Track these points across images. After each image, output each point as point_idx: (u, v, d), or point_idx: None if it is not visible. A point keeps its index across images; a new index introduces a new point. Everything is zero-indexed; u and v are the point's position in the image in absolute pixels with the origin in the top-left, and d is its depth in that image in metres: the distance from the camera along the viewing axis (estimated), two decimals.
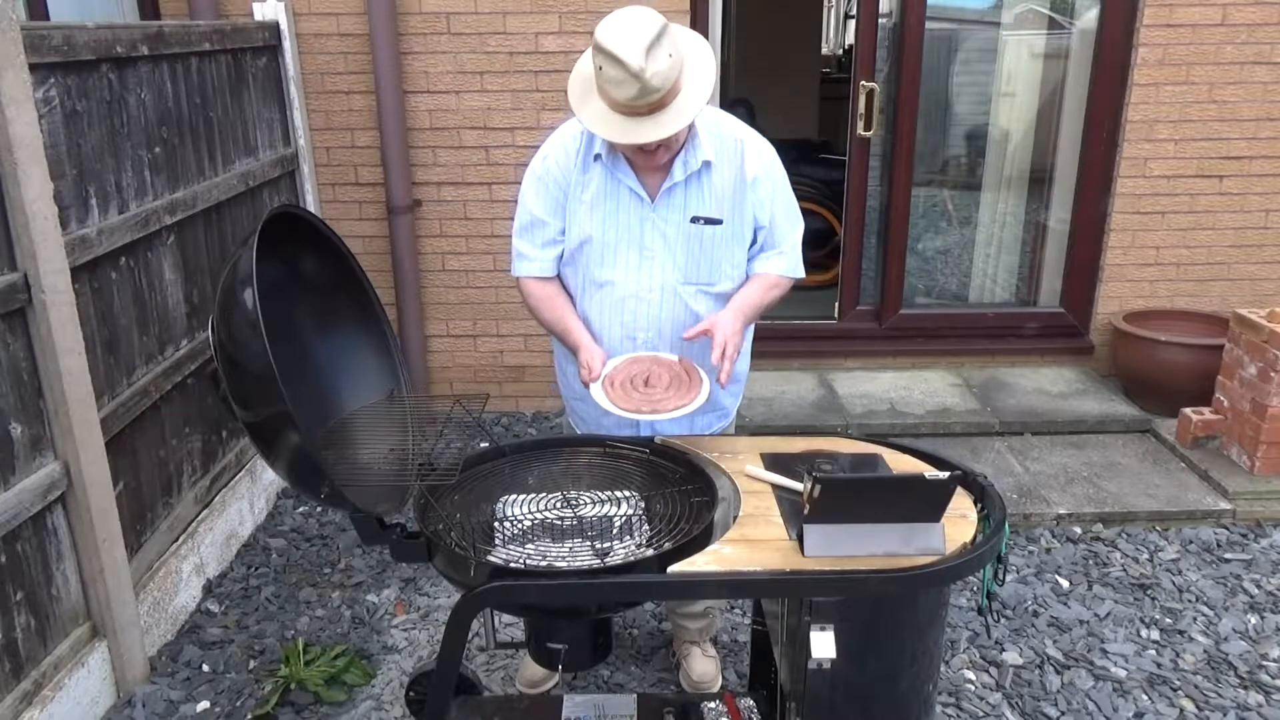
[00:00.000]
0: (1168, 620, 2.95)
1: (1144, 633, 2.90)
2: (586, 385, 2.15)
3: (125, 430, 2.70)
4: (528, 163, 2.29)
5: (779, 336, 4.51)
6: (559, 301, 2.28)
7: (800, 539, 1.69)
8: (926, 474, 1.68)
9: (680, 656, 2.70)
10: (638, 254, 2.20)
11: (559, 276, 2.31)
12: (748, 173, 2.19)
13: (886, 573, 1.66)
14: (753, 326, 2.44)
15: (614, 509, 1.85)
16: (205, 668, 2.75)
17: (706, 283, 2.23)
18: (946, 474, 1.66)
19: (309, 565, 3.26)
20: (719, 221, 2.19)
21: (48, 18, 3.74)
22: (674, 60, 1.93)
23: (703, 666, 2.64)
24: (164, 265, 2.92)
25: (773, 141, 2.29)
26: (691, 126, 2.13)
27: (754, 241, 2.27)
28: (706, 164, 2.16)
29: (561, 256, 2.27)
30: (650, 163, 2.12)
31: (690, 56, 2.02)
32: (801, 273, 2.32)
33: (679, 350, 2.23)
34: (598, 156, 2.17)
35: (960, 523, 1.78)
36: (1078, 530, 3.45)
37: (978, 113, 4.77)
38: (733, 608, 3.01)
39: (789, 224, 2.28)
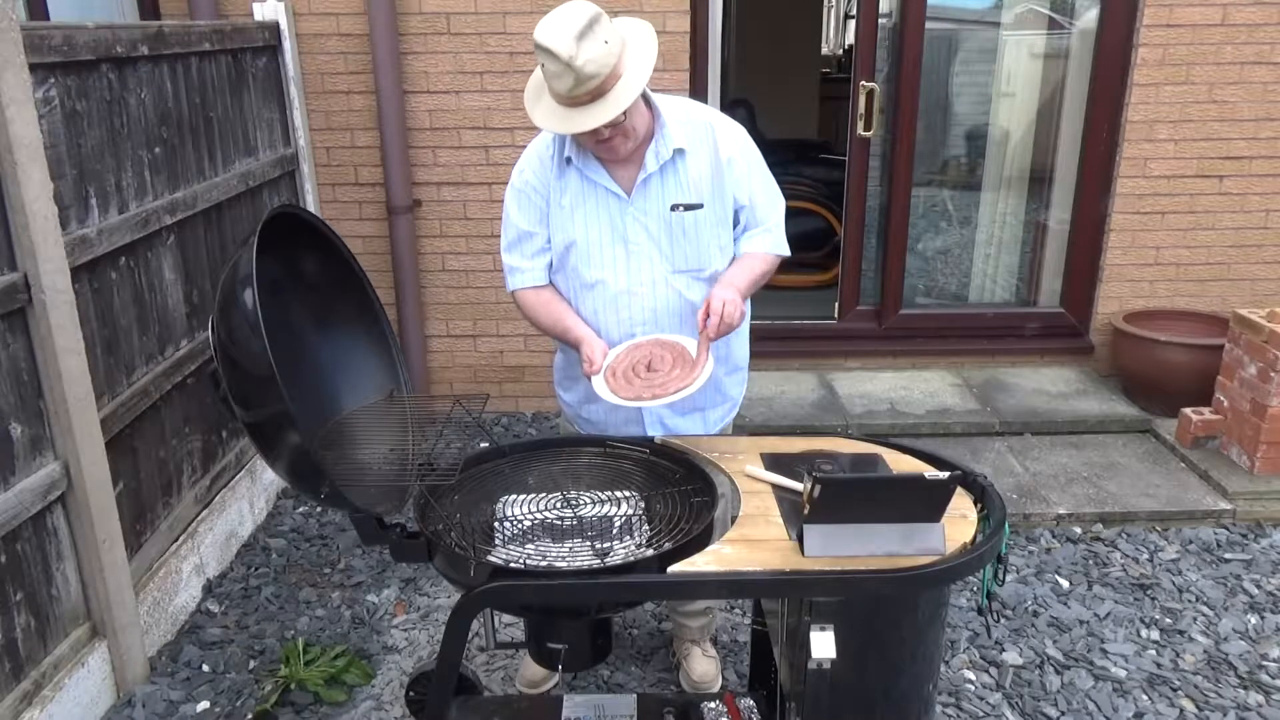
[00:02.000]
0: (1168, 620, 2.95)
1: (1144, 633, 2.90)
2: (590, 379, 2.15)
3: (125, 430, 2.70)
4: None
5: (779, 336, 4.52)
6: (555, 305, 2.28)
7: (800, 539, 1.69)
8: (926, 474, 1.68)
9: (680, 656, 2.70)
10: (624, 250, 2.21)
11: (552, 284, 2.31)
12: (722, 154, 2.20)
13: (886, 573, 1.66)
14: (749, 319, 2.44)
15: (614, 509, 1.85)
16: (205, 668, 2.75)
17: (696, 269, 2.24)
18: (946, 474, 1.66)
19: (309, 565, 3.26)
20: (700, 206, 2.20)
21: (48, 18, 3.74)
22: (610, 47, 1.96)
23: (703, 666, 2.64)
24: (164, 265, 2.92)
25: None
26: (659, 117, 2.16)
27: (737, 222, 2.28)
28: (679, 152, 2.17)
29: (552, 264, 2.29)
30: (612, 154, 2.14)
31: (633, 42, 2.04)
32: (786, 250, 2.33)
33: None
34: (569, 160, 2.19)
35: (960, 523, 1.78)
36: (1078, 530, 3.45)
37: (978, 113, 4.77)
38: (733, 608, 3.01)
39: (770, 202, 2.29)
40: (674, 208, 2.19)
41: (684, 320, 2.24)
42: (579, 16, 1.94)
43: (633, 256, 2.21)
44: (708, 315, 2.10)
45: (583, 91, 1.96)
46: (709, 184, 2.20)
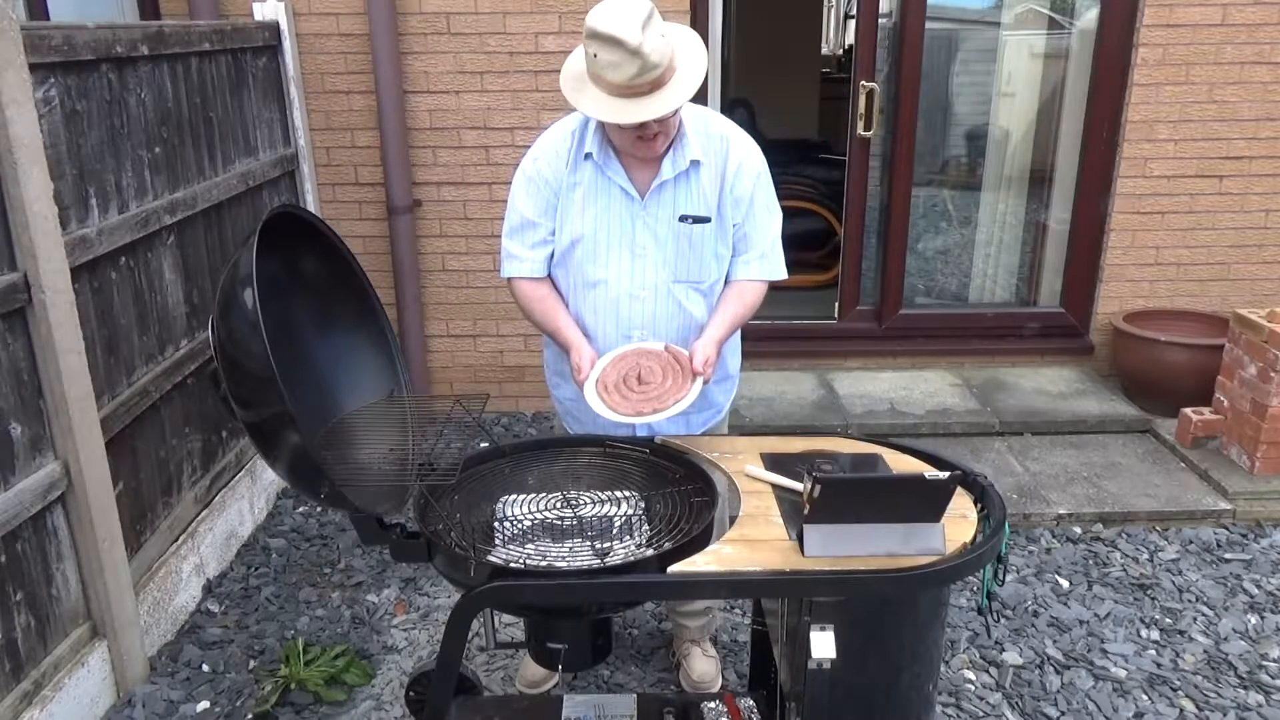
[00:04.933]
0: (1168, 620, 2.95)
1: (1144, 633, 2.90)
2: (580, 386, 2.15)
3: (125, 430, 2.69)
4: None
5: (779, 336, 4.52)
6: (550, 302, 2.27)
7: (800, 539, 1.69)
8: (926, 474, 1.68)
9: (680, 656, 2.70)
10: (629, 253, 2.20)
11: (550, 278, 2.31)
12: (729, 169, 2.20)
13: (886, 573, 1.66)
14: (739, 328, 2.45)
15: (614, 509, 1.85)
16: (205, 668, 2.75)
17: (696, 280, 2.24)
18: (946, 474, 1.66)
19: (309, 565, 3.26)
20: (707, 220, 2.19)
21: (48, 18, 3.74)
22: (667, 40, 1.98)
23: (703, 666, 2.64)
24: (164, 265, 2.92)
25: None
26: (680, 125, 2.15)
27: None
28: (695, 163, 2.17)
29: (552, 257, 2.27)
30: (649, 151, 2.12)
31: (679, 41, 2.06)
32: (783, 274, 2.31)
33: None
34: (588, 155, 2.17)
35: (960, 523, 1.78)
36: (1078, 530, 3.45)
37: (978, 113, 4.77)
38: (733, 608, 3.01)
39: (767, 225, 2.27)
40: (682, 219, 2.18)
41: (680, 328, 2.24)
42: (640, 6, 1.92)
43: (637, 260, 2.21)
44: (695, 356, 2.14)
45: (644, 81, 1.94)
46: (717, 197, 2.20)
